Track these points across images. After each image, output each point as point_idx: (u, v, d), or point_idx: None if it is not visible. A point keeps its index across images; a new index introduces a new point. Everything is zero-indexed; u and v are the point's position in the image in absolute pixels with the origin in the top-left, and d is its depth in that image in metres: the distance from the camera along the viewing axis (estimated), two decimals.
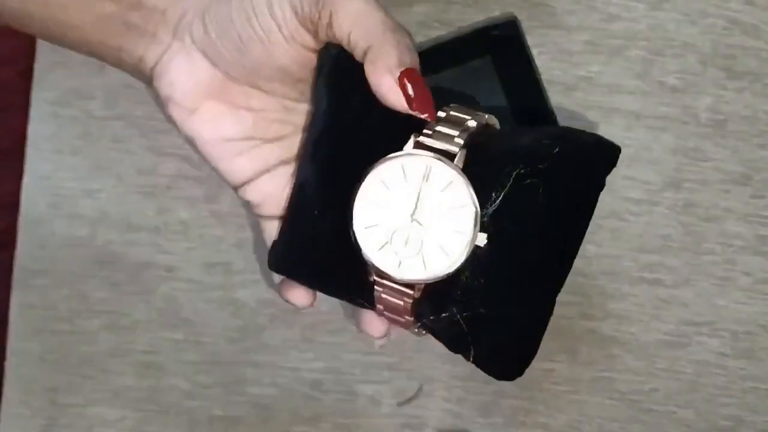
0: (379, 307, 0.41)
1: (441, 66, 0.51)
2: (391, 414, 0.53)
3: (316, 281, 0.44)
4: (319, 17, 0.39)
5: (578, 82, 0.53)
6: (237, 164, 0.44)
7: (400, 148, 0.39)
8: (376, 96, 0.38)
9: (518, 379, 0.42)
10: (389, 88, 0.38)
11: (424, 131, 0.38)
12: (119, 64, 0.44)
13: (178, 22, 0.42)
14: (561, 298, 0.42)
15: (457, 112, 0.38)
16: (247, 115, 0.43)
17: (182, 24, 0.42)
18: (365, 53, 0.38)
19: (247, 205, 0.46)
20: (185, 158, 0.53)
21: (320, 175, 0.42)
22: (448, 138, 0.38)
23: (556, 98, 0.53)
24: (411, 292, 0.39)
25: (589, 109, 0.53)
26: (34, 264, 0.53)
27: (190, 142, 0.44)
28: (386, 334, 0.45)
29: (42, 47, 0.53)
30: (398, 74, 0.38)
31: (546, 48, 0.53)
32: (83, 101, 0.53)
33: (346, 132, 0.41)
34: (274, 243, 0.45)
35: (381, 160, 0.38)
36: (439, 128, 0.38)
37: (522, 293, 0.39)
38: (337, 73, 0.40)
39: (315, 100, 0.43)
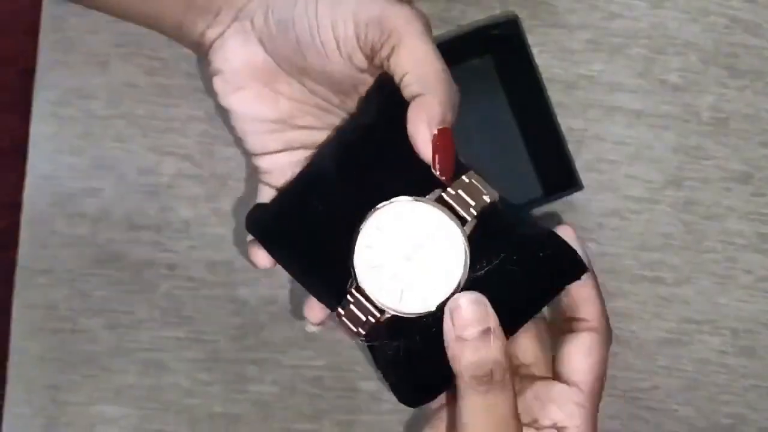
0: (340, 311, 0.43)
1: None
2: (392, 410, 0.53)
3: (289, 256, 0.45)
4: (381, 47, 0.41)
5: (579, 81, 0.53)
6: (262, 140, 0.46)
7: (417, 190, 0.42)
8: (409, 137, 0.41)
9: None
10: (423, 140, 0.40)
11: (449, 191, 0.41)
12: (179, 37, 0.46)
13: (242, 7, 0.44)
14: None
15: (478, 183, 0.42)
16: (287, 102, 0.45)
17: (246, 10, 0.44)
18: (414, 97, 0.40)
19: (255, 169, 0.47)
20: (186, 157, 0.53)
21: (342, 167, 0.43)
22: (466, 205, 0.41)
23: (556, 97, 0.53)
24: (378, 315, 0.42)
25: (590, 107, 0.53)
26: (36, 263, 0.53)
27: (224, 112, 0.46)
28: (321, 324, 0.47)
29: (43, 47, 0.53)
30: (435, 131, 0.40)
31: (547, 47, 0.53)
32: (85, 100, 0.53)
33: (378, 150, 0.43)
34: (260, 204, 0.46)
35: (408, 196, 0.42)
36: (460, 192, 0.41)
37: None
38: (394, 102, 0.42)
39: (362, 108, 0.45)
